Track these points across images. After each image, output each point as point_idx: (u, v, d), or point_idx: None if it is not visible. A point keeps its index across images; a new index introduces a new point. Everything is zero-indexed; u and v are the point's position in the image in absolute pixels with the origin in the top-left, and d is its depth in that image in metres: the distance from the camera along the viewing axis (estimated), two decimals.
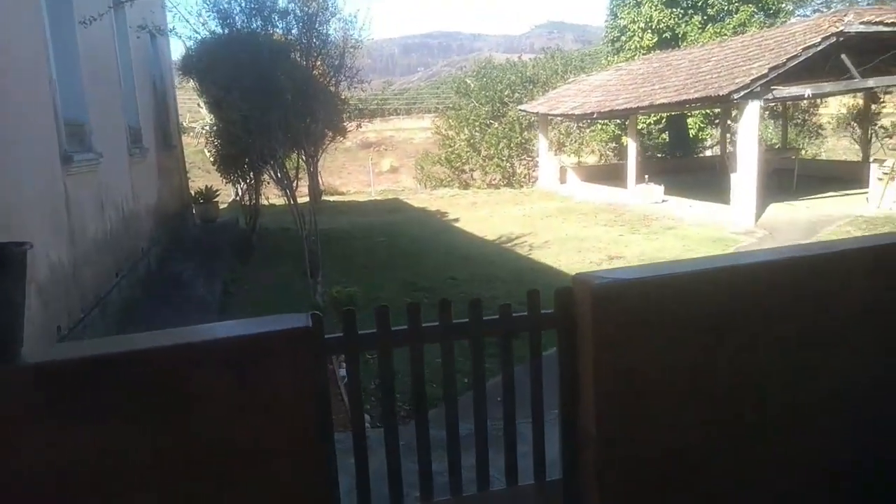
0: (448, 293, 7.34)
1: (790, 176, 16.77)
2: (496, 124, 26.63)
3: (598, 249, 11.55)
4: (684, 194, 16.70)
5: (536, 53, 35.47)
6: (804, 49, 12.09)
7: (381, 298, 7.14)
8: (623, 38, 24.78)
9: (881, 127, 24.14)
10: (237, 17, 9.78)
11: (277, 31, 10.00)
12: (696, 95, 13.22)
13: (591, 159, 29.17)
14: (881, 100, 20.36)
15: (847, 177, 17.21)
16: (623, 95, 17.07)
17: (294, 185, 10.02)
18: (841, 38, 12.23)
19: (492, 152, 26.18)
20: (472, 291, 7.98)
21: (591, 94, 19.48)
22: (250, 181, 12.60)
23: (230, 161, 11.83)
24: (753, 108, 12.55)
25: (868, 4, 24.18)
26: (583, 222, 14.64)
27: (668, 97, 14.34)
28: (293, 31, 10.05)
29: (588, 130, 27.75)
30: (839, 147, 30.27)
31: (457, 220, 15.99)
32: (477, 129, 26.89)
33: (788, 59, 12.04)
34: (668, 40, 23.27)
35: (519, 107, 24.54)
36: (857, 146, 28.40)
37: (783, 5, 26.11)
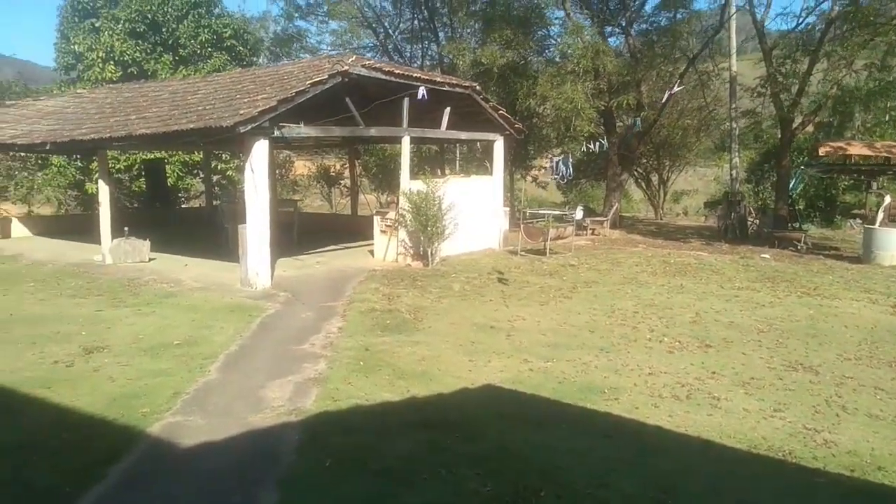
0: None
1: (289, 229, 15.50)
2: None
3: (67, 337, 7.64)
4: (176, 251, 13.80)
5: None
6: (312, 84, 10.68)
7: None
8: (80, 66, 20.47)
9: (345, 186, 25.61)
10: None
11: None
12: (190, 126, 10.49)
13: (47, 210, 23.39)
14: (360, 156, 21.18)
15: (342, 229, 16.89)
16: (88, 125, 13.16)
17: None
18: (346, 79, 11.29)
19: None
20: None
21: (40, 122, 14.82)
22: None
23: None
24: (263, 146, 10.51)
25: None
26: (40, 293, 10.21)
27: (151, 127, 11.18)
28: None
29: (40, 174, 22.13)
30: (314, 201, 31.71)
31: None
32: None
33: (297, 93, 10.42)
34: (136, 75, 20.06)
35: None
36: (326, 201, 30.13)
37: (255, 59, 25.65)
